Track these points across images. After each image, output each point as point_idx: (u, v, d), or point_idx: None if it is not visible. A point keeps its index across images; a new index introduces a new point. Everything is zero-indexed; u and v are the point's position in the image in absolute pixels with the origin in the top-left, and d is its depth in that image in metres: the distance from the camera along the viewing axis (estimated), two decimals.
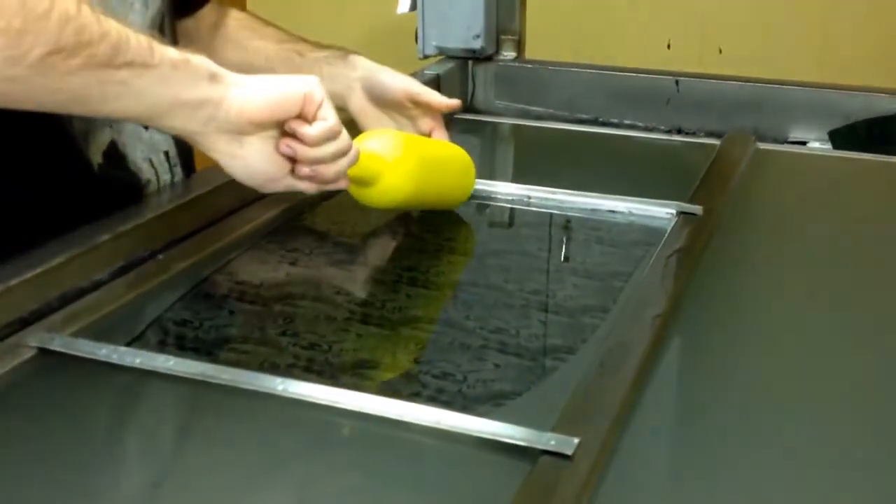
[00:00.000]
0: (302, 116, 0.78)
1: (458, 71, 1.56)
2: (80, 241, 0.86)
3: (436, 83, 1.51)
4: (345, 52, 1.14)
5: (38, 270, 0.81)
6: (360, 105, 1.12)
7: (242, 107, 0.75)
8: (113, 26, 0.70)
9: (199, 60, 0.75)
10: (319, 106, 0.78)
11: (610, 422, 0.68)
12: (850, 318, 0.90)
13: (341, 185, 0.84)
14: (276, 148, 0.78)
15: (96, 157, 0.94)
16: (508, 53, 1.61)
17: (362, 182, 0.92)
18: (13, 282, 0.79)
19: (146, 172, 1.00)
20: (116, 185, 0.96)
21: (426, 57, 1.58)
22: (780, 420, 0.74)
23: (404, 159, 0.94)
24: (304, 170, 0.79)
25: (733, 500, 0.65)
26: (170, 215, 0.96)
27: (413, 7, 1.57)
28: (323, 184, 0.82)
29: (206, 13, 1.14)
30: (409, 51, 1.60)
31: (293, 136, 0.78)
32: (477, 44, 1.55)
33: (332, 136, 0.79)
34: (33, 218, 0.89)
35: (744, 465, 0.68)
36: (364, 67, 1.12)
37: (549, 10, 1.95)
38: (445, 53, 1.58)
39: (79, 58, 0.67)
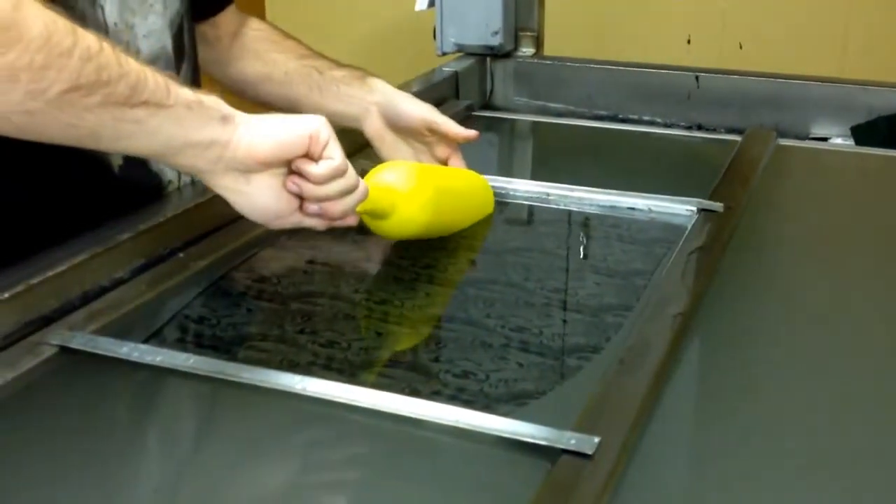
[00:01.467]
0: (308, 155, 0.79)
1: (476, 68, 1.56)
2: (101, 240, 0.87)
3: (454, 80, 1.51)
4: (363, 73, 1.14)
5: (60, 269, 0.81)
6: (375, 129, 1.12)
7: (250, 146, 0.76)
8: (133, 66, 0.71)
9: (212, 101, 0.76)
10: (325, 145, 0.79)
11: (631, 421, 0.68)
12: (875, 317, 0.89)
13: (349, 221, 0.85)
14: (284, 185, 0.79)
15: (116, 160, 0.94)
16: (527, 50, 1.61)
17: (377, 215, 0.92)
18: (35, 280, 0.79)
19: (168, 173, 1.01)
20: (138, 186, 0.97)
21: (444, 54, 1.58)
22: (802, 421, 0.73)
23: (419, 191, 0.94)
24: (312, 207, 0.81)
25: (754, 501, 0.64)
26: (189, 214, 0.96)
27: (431, 4, 1.57)
28: (331, 220, 0.83)
29: (227, 21, 1.14)
30: (428, 48, 1.60)
31: (300, 174, 0.79)
32: (495, 40, 1.55)
33: (338, 174, 0.80)
34: (54, 218, 0.89)
35: (765, 465, 0.67)
36: (382, 92, 1.12)
37: (567, 6, 1.94)
38: (464, 50, 1.58)
39: (97, 95, 0.68)
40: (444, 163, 1.13)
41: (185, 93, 0.74)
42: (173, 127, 0.73)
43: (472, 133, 1.11)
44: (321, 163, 0.79)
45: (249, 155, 0.76)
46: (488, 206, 1.08)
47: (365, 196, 0.85)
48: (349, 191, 0.82)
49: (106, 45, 0.69)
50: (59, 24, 0.66)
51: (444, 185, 1.00)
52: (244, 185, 0.77)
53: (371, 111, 1.12)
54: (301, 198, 0.81)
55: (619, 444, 0.65)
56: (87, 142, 0.71)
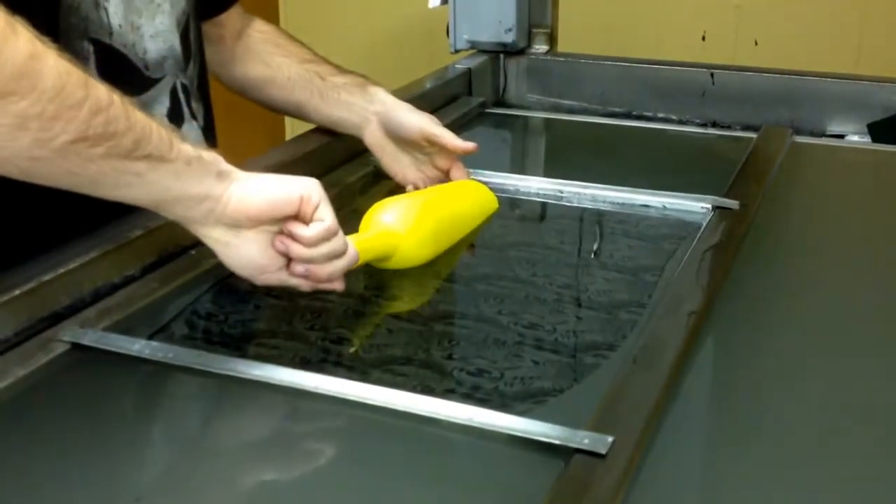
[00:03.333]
0: (299, 217, 0.79)
1: (489, 65, 1.56)
2: (112, 238, 0.86)
3: (467, 77, 1.50)
4: (365, 81, 1.14)
5: (72, 266, 0.81)
6: (375, 139, 1.12)
7: (240, 202, 0.77)
8: (139, 119, 0.72)
9: (211, 157, 0.77)
10: (316, 207, 0.79)
11: (644, 420, 0.67)
12: (892, 315, 0.88)
13: (335, 286, 0.84)
14: (272, 243, 0.79)
15: None
16: (540, 47, 1.60)
17: (380, 260, 0.91)
18: (47, 277, 0.79)
19: None
20: None
21: (457, 51, 1.57)
22: (817, 420, 0.72)
23: (417, 229, 0.93)
24: (298, 268, 0.80)
25: (768, 500, 0.64)
26: None
27: (444, 1, 1.56)
28: (316, 282, 0.82)
29: (232, 20, 1.14)
30: (441, 45, 1.60)
31: (290, 234, 0.79)
32: (509, 37, 1.54)
33: (327, 237, 0.80)
34: (63, 216, 0.89)
35: (779, 464, 0.66)
36: (382, 101, 1.11)
37: (581, 3, 1.94)
38: (477, 47, 1.57)
39: (102, 147, 0.69)
40: (446, 173, 1.12)
41: (187, 148, 0.75)
42: (171, 180, 0.74)
43: (469, 145, 1.10)
44: (311, 225, 0.79)
45: (240, 210, 0.77)
46: (490, 206, 1.07)
47: (354, 262, 0.84)
48: (337, 255, 0.82)
49: (116, 98, 0.70)
50: (72, 76, 0.67)
51: (441, 214, 0.98)
52: (232, 237, 0.78)
53: (371, 121, 1.11)
54: (288, 257, 0.80)
55: (633, 444, 0.64)
56: (84, 189, 0.72)
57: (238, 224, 0.77)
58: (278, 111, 1.19)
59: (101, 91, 0.69)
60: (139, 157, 0.71)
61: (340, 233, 0.82)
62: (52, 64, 0.65)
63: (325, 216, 0.79)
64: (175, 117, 1.01)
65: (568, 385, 0.76)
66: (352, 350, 0.81)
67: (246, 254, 0.78)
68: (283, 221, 0.79)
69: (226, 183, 0.77)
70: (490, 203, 1.08)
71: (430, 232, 0.94)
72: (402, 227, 0.91)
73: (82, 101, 0.67)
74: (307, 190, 0.79)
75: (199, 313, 0.85)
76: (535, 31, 1.60)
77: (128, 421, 0.72)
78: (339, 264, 0.82)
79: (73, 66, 0.67)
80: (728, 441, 0.70)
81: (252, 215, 0.77)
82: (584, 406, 0.70)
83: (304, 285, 0.82)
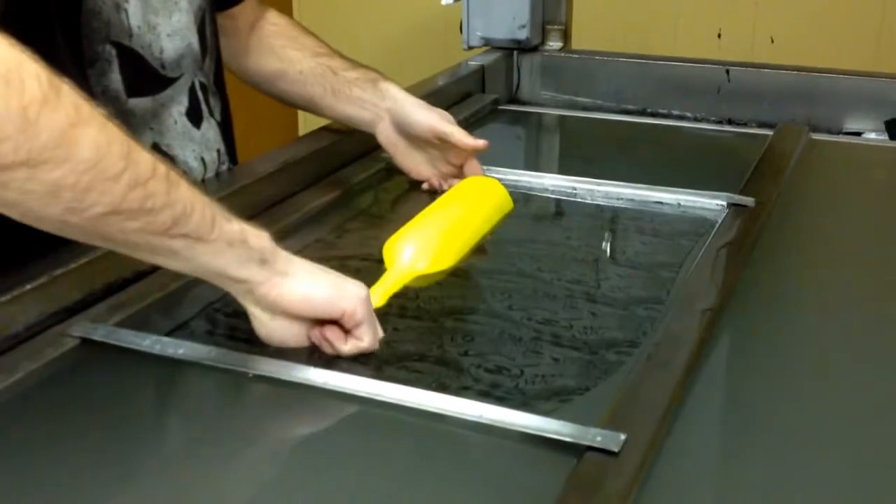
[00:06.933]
0: (339, 324, 0.76)
1: (503, 62, 1.55)
2: None
3: (480, 74, 1.50)
4: (377, 76, 1.12)
5: (83, 261, 0.81)
6: (387, 136, 1.11)
7: (280, 296, 0.74)
8: (181, 196, 0.69)
9: (256, 241, 0.73)
10: (358, 325, 0.76)
11: (658, 418, 0.67)
12: None
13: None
14: (307, 331, 0.77)
15: None
16: (554, 43, 1.59)
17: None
18: (58, 272, 0.79)
19: (197, 171, 1.00)
20: None
21: (471, 48, 1.57)
22: (833, 419, 0.71)
23: (438, 262, 0.91)
24: (327, 350, 0.77)
25: (781, 499, 0.63)
26: None
27: None
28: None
29: (246, 12, 1.13)
30: (455, 42, 1.59)
31: (326, 339, 0.76)
32: (522, 34, 1.54)
33: (361, 352, 0.77)
34: None
35: (794, 464, 0.66)
36: (394, 98, 1.10)
37: None
38: (491, 44, 1.57)
39: (138, 222, 0.66)
40: (460, 168, 1.11)
41: (231, 228, 0.72)
42: (210, 259, 0.71)
43: (480, 143, 1.09)
44: (350, 342, 0.76)
45: (277, 303, 0.74)
46: (506, 206, 1.06)
47: (376, 347, 0.79)
48: (366, 352, 0.78)
49: (160, 171, 0.67)
50: (113, 146, 0.64)
51: (461, 236, 0.96)
52: (268, 319, 0.75)
53: (383, 118, 1.11)
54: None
55: (646, 442, 0.64)
56: (120, 251, 0.70)
57: (274, 312, 0.75)
58: (290, 105, 1.19)
59: (144, 164, 0.66)
60: (176, 235, 0.68)
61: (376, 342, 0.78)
62: (93, 134, 0.63)
63: (365, 337, 0.76)
64: (194, 116, 1.00)
65: (593, 383, 0.75)
66: None
67: (277, 335, 0.76)
68: (323, 325, 0.76)
69: (269, 272, 0.73)
70: (505, 203, 1.06)
71: (450, 257, 0.93)
72: (423, 265, 0.90)
73: (120, 174, 0.64)
74: (352, 305, 0.75)
75: (219, 309, 0.85)
76: (548, 27, 1.59)
77: (137, 417, 0.71)
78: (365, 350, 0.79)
79: (117, 134, 0.65)
80: (742, 439, 0.69)
81: (290, 311, 0.75)
82: (596, 403, 0.69)
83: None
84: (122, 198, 0.65)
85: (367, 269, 0.87)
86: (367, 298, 0.77)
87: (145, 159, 0.66)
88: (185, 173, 0.97)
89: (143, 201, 0.66)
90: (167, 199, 0.67)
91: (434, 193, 1.09)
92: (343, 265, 0.94)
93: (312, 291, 0.75)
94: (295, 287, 0.74)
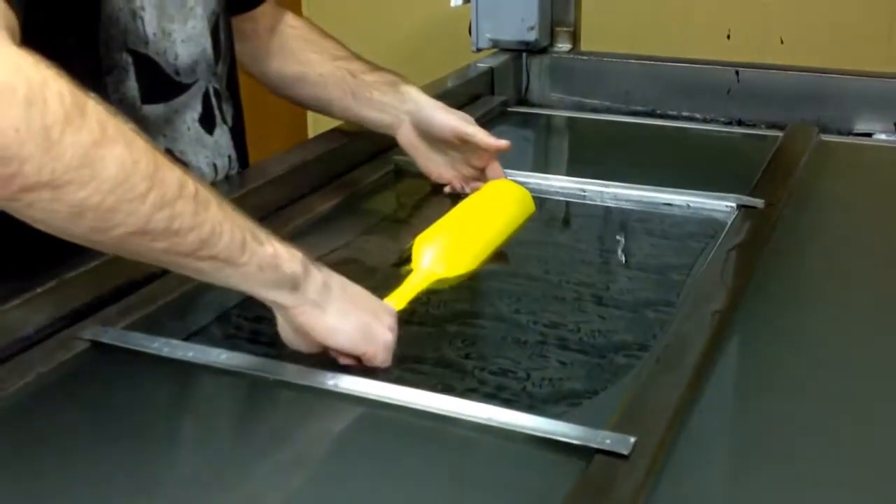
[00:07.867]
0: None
1: (512, 63, 1.55)
2: None
3: (489, 76, 1.50)
4: (397, 79, 1.12)
5: (93, 264, 0.81)
6: (408, 138, 1.11)
7: (307, 323, 0.74)
8: (210, 217, 0.67)
9: (289, 266, 0.72)
10: (375, 363, 0.76)
11: (667, 421, 0.66)
12: None
13: None
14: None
15: None
16: (563, 45, 1.59)
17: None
18: (68, 275, 0.80)
19: (208, 177, 1.00)
20: None
21: (480, 50, 1.57)
22: (843, 421, 0.71)
23: (459, 266, 0.91)
24: (345, 362, 0.77)
25: (793, 502, 0.63)
26: None
27: (467, 0, 1.56)
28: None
29: (264, 15, 1.13)
30: (463, 44, 1.59)
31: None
32: (531, 36, 1.53)
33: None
34: None
35: (803, 466, 0.66)
36: (414, 100, 1.10)
37: (604, 1, 1.92)
38: (499, 46, 1.56)
39: (164, 242, 0.66)
40: (481, 171, 1.11)
41: (263, 252, 0.70)
42: (239, 280, 0.70)
43: (503, 143, 1.09)
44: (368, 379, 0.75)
45: (302, 328, 0.74)
46: (529, 210, 1.06)
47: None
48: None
49: (188, 192, 0.66)
50: (139, 164, 0.63)
51: (484, 240, 0.96)
52: (291, 333, 0.75)
53: (403, 120, 1.10)
54: None
55: (656, 445, 0.64)
56: (148, 263, 0.70)
57: (298, 333, 0.75)
58: (309, 108, 1.19)
59: (171, 183, 0.65)
60: (203, 257, 0.67)
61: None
62: (118, 152, 0.62)
63: (379, 365, 0.76)
64: (207, 122, 1.00)
65: (602, 386, 0.75)
66: None
67: (296, 343, 0.76)
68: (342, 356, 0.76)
69: (299, 299, 0.73)
70: (528, 207, 1.06)
71: (472, 262, 0.93)
72: (443, 268, 0.90)
73: (145, 194, 0.63)
74: (373, 350, 0.75)
75: (233, 314, 0.85)
76: (557, 29, 1.59)
77: (146, 420, 0.71)
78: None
79: (144, 151, 0.63)
80: (752, 442, 0.69)
81: (315, 339, 0.74)
82: (605, 406, 0.69)
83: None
84: (148, 218, 0.64)
85: (394, 274, 0.87)
86: (392, 344, 0.76)
87: (172, 178, 0.65)
88: (192, 169, 0.98)
89: (169, 222, 0.65)
90: (194, 221, 0.66)
91: (456, 196, 1.09)
92: (365, 271, 0.94)
93: (339, 328, 0.74)
94: (323, 319, 0.74)
